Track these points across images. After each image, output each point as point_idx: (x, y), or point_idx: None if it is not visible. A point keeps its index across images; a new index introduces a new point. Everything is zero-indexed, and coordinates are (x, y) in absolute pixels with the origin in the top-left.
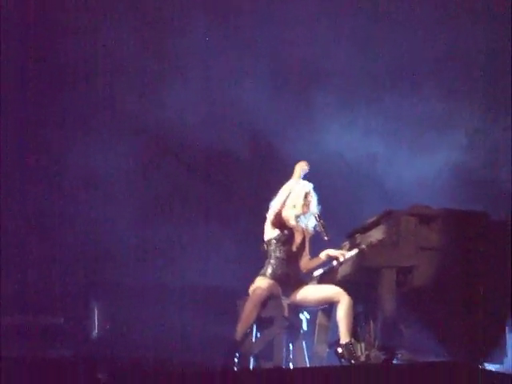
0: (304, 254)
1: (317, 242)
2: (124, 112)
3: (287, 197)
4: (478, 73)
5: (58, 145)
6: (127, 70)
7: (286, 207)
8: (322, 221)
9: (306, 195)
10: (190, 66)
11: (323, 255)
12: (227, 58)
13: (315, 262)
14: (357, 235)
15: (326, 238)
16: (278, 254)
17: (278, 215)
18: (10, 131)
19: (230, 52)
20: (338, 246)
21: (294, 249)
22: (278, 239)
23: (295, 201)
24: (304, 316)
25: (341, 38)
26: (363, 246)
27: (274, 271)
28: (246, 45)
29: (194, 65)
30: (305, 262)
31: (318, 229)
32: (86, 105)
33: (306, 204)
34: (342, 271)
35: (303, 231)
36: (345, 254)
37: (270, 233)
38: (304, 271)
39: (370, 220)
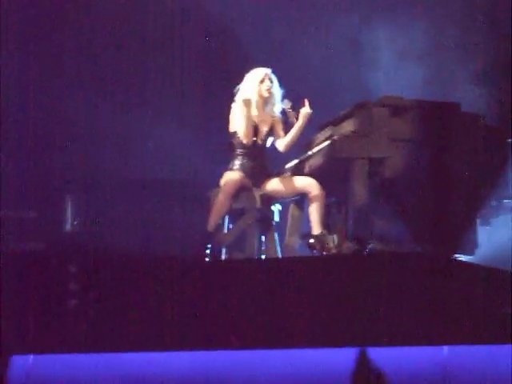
0: (278, 139)
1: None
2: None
3: (245, 87)
4: None
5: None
6: None
7: (244, 98)
8: (290, 106)
9: (263, 80)
10: None
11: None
12: None
13: (291, 134)
14: (329, 127)
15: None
16: (244, 146)
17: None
18: None
19: None
20: (308, 138)
21: (260, 140)
22: (243, 130)
23: (252, 89)
24: (276, 207)
25: None
26: (335, 137)
27: (241, 164)
28: None
29: None
30: (280, 142)
31: (288, 116)
32: None
33: (265, 89)
34: (314, 162)
35: (270, 119)
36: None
37: (235, 124)
38: (286, 149)
39: (343, 112)
